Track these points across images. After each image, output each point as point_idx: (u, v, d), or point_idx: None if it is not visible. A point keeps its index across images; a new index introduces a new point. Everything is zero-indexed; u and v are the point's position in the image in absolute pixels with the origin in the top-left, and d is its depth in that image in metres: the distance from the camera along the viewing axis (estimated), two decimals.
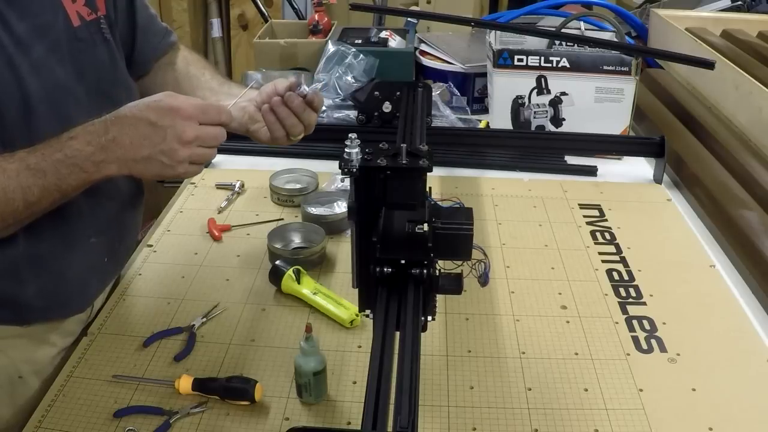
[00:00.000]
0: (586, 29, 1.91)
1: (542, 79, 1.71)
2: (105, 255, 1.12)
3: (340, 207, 1.45)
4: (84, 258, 1.06)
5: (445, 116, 1.80)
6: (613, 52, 1.71)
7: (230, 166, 1.69)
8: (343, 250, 1.35)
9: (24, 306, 1.02)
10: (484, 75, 1.91)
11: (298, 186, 1.54)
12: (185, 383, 1.01)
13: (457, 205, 1.41)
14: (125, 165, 0.92)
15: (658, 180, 1.64)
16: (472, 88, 1.99)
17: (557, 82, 1.71)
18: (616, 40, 1.86)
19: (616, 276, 1.30)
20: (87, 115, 1.01)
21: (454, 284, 0.85)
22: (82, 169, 0.90)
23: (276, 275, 1.23)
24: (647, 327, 1.16)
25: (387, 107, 1.68)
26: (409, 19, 2.21)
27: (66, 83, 0.99)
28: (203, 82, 1.22)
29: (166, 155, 0.91)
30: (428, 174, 0.87)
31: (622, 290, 1.26)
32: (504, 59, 1.71)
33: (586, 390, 1.04)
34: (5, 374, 1.05)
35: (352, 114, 1.78)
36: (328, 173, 1.57)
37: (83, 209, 0.99)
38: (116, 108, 1.07)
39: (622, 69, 1.67)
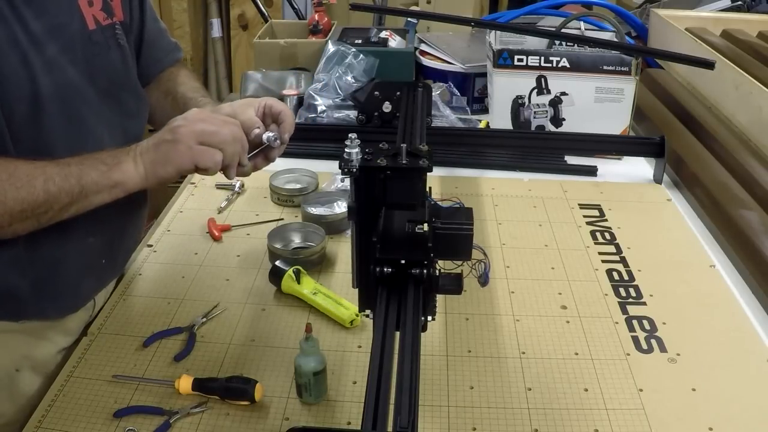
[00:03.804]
0: (586, 29, 1.91)
1: (542, 79, 1.71)
2: (102, 256, 1.12)
3: (340, 207, 1.45)
4: (80, 257, 1.07)
5: (445, 116, 1.80)
6: (613, 52, 1.71)
7: None
8: (343, 250, 1.35)
9: (19, 299, 1.02)
10: (484, 75, 1.91)
11: (298, 186, 1.54)
12: (185, 383, 1.01)
13: (457, 205, 1.41)
14: (140, 159, 0.95)
15: (658, 180, 1.64)
16: (472, 88, 1.99)
17: (557, 82, 1.71)
18: (616, 40, 1.86)
19: (616, 276, 1.30)
20: (96, 117, 1.03)
21: (454, 284, 0.85)
22: (103, 161, 0.94)
23: (276, 275, 1.23)
24: (647, 327, 1.16)
25: (387, 107, 1.69)
26: (409, 19, 2.21)
27: (77, 84, 1.00)
28: (177, 102, 1.23)
29: (172, 132, 0.95)
30: (428, 174, 0.87)
31: (622, 290, 1.26)
32: (504, 59, 1.71)
33: (586, 390, 1.04)
34: (3, 369, 1.05)
35: (352, 114, 1.78)
36: (328, 173, 1.57)
37: None
38: (125, 112, 1.09)
39: (622, 69, 1.67)
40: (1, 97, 0.91)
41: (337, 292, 1.21)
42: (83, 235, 1.06)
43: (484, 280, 1.26)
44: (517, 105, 1.74)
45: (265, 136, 1.06)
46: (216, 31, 3.65)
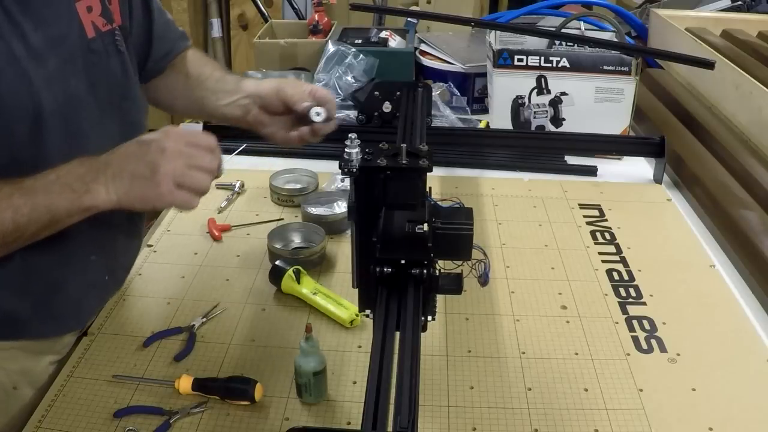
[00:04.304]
0: (586, 29, 1.91)
1: (542, 79, 1.71)
2: (105, 273, 1.10)
3: (340, 207, 1.45)
4: (83, 275, 1.05)
5: (445, 116, 1.80)
6: (613, 52, 1.71)
7: (230, 166, 1.67)
8: (343, 250, 1.35)
9: (20, 321, 1.01)
10: (484, 75, 1.91)
11: (298, 186, 1.54)
12: (185, 383, 1.01)
13: (457, 205, 1.41)
14: (112, 187, 0.89)
15: (658, 180, 1.64)
16: (472, 88, 1.99)
17: (557, 82, 1.71)
18: (616, 40, 1.86)
19: (616, 276, 1.30)
20: (98, 128, 1.00)
21: (454, 284, 0.85)
22: (71, 188, 0.88)
23: (276, 275, 1.23)
24: (647, 327, 1.16)
25: (387, 107, 1.68)
26: (409, 19, 2.21)
27: (79, 96, 0.97)
28: (201, 82, 1.22)
29: (149, 167, 0.88)
30: (428, 174, 0.87)
31: (622, 290, 1.26)
32: (504, 59, 1.71)
33: (586, 390, 1.04)
34: (0, 386, 1.03)
35: (352, 114, 1.78)
36: (328, 173, 1.57)
37: (83, 226, 0.96)
38: (125, 121, 1.06)
39: (622, 69, 1.67)
40: (0, 118, 0.88)
41: (337, 292, 1.21)
42: (85, 255, 1.04)
43: (484, 280, 1.25)
44: (517, 105, 1.74)
45: (312, 111, 1.07)
46: (216, 31, 3.65)
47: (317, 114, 1.08)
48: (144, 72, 1.19)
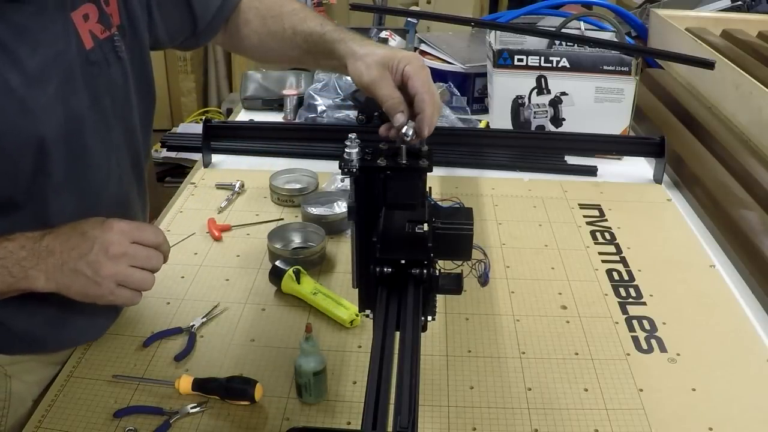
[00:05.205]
0: (586, 29, 1.91)
1: (542, 79, 1.71)
2: None
3: (340, 207, 1.45)
4: None
5: (445, 116, 1.80)
6: (613, 52, 1.71)
7: (230, 166, 1.69)
8: (343, 250, 1.35)
9: (36, 338, 1.02)
10: (484, 75, 1.91)
11: (298, 186, 1.54)
12: (185, 383, 1.01)
13: (457, 205, 1.41)
14: (53, 277, 0.87)
15: (658, 180, 1.64)
16: (472, 88, 1.99)
17: (557, 82, 1.71)
18: (616, 40, 1.86)
19: (616, 276, 1.30)
20: (103, 141, 0.98)
21: (454, 284, 0.85)
22: (9, 272, 0.86)
23: (276, 275, 1.23)
24: (647, 327, 1.16)
25: None
26: (409, 19, 2.21)
27: (81, 113, 0.94)
28: (285, 39, 1.14)
29: (91, 267, 0.86)
30: (428, 174, 0.87)
31: (622, 290, 1.26)
32: (504, 59, 1.71)
33: (586, 390, 1.04)
34: (19, 399, 1.03)
35: (352, 114, 1.78)
36: (328, 173, 1.57)
37: None
38: (129, 129, 1.05)
39: (622, 69, 1.67)
40: (1, 156, 0.85)
41: (337, 292, 1.21)
42: None
43: (484, 280, 1.26)
44: (517, 105, 1.74)
45: (403, 130, 0.93)
46: None
47: (407, 136, 0.93)
48: (200, 36, 1.16)
